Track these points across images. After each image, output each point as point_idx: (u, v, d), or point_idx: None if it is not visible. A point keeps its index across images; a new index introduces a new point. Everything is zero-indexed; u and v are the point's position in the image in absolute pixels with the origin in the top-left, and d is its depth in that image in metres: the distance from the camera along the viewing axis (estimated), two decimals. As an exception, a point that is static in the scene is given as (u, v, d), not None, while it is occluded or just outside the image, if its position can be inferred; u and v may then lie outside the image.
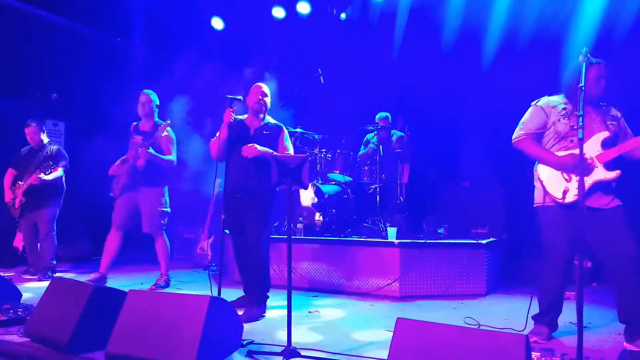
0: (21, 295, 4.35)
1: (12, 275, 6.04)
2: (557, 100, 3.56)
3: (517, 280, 5.76)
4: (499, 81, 6.46)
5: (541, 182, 3.51)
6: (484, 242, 5.32)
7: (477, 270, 5.20)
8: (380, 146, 6.25)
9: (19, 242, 6.89)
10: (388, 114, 6.84)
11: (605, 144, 3.36)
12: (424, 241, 5.28)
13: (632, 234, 3.32)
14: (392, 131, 6.86)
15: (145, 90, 5.42)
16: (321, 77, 6.85)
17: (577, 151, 3.30)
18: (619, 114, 3.54)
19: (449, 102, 7.06)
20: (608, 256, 3.38)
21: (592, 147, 3.36)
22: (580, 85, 2.99)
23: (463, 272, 5.14)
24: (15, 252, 6.97)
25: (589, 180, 3.32)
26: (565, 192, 3.38)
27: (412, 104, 7.30)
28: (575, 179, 3.35)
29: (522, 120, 3.64)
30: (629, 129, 3.53)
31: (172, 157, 5.32)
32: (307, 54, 7.82)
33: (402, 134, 6.67)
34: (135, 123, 5.47)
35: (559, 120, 3.47)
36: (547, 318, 3.54)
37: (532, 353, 2.72)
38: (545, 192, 3.49)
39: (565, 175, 3.41)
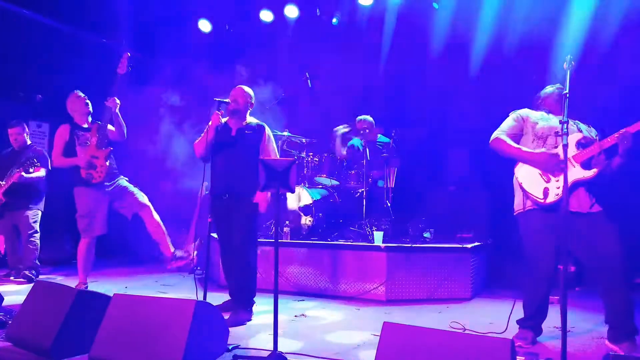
0: (3, 298, 4.29)
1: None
2: (535, 112, 3.71)
3: (502, 284, 5.80)
4: (485, 87, 6.53)
5: (520, 184, 3.55)
6: (469, 246, 5.35)
7: (462, 275, 5.23)
8: (367, 150, 6.26)
9: (0, 245, 6.79)
10: (370, 117, 6.85)
11: (580, 145, 3.43)
12: (410, 245, 5.30)
13: (616, 238, 3.35)
14: (380, 135, 6.87)
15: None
16: (308, 81, 6.85)
17: (553, 150, 3.42)
18: (594, 130, 3.66)
19: (435, 106, 7.11)
20: (593, 261, 3.41)
21: (568, 148, 3.39)
22: (565, 92, 3.03)
23: (449, 276, 5.16)
24: (-4, 255, 6.87)
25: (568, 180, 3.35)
26: (545, 192, 3.42)
27: (399, 108, 7.33)
28: (554, 179, 3.40)
29: (500, 125, 3.75)
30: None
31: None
32: (295, 57, 7.82)
33: (388, 139, 6.69)
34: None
35: (537, 123, 3.58)
36: (531, 322, 3.57)
37: (517, 357, 2.74)
38: (526, 195, 3.52)
39: (543, 176, 3.45)
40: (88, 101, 5.32)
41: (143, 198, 5.25)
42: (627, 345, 3.26)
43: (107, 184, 5.09)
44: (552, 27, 5.98)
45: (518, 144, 3.63)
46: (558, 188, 3.35)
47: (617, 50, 5.70)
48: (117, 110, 5.08)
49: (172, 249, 5.37)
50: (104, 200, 5.09)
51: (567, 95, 3.01)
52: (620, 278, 3.32)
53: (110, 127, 5.18)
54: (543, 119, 3.62)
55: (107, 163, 5.07)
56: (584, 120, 3.69)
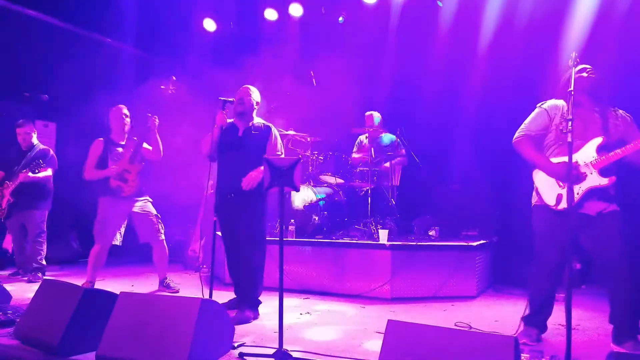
0: (11, 297, 4.33)
1: (2, 277, 5.99)
2: (562, 103, 3.55)
3: (507, 282, 5.79)
4: (491, 84, 6.50)
5: (536, 188, 3.54)
6: (474, 244, 5.35)
7: (467, 272, 5.22)
8: (372, 148, 6.27)
9: (8, 243, 6.84)
10: (377, 114, 6.85)
11: (601, 150, 3.35)
12: (415, 243, 5.30)
13: (626, 239, 3.34)
14: (384, 134, 6.87)
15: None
16: (313, 79, 6.86)
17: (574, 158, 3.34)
18: (628, 117, 3.52)
19: (440, 104, 7.09)
20: (602, 261, 3.41)
21: (587, 154, 3.37)
22: (570, 89, 3.02)
23: (454, 274, 5.16)
24: (4, 253, 6.92)
25: (583, 187, 3.33)
26: (558, 199, 3.41)
27: (404, 106, 7.32)
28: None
29: (525, 121, 3.64)
30: None
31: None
32: (300, 55, 7.83)
33: (394, 136, 6.69)
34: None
35: (561, 124, 3.42)
36: (537, 320, 3.57)
37: (522, 355, 2.75)
38: (540, 197, 3.53)
39: (560, 182, 3.42)
40: (128, 120, 5.39)
41: (160, 232, 5.36)
42: (631, 345, 3.26)
43: (135, 199, 5.21)
44: (559, 22, 5.95)
45: (545, 141, 3.58)
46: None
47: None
48: (155, 129, 5.19)
49: (166, 277, 5.42)
50: (124, 214, 5.21)
51: (572, 92, 3.00)
52: (626, 278, 3.31)
53: (146, 145, 5.25)
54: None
55: (138, 179, 5.17)
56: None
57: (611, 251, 3.34)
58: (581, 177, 3.34)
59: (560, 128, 3.35)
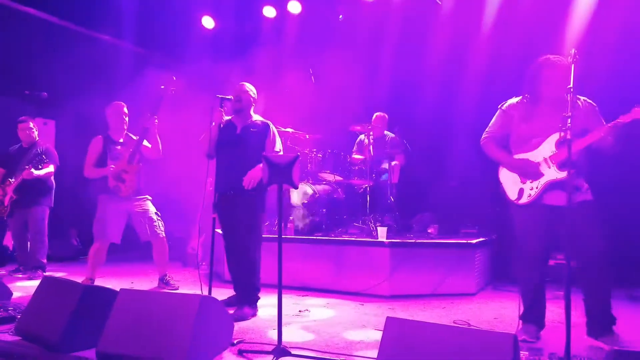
0: (11, 294, 4.35)
1: (2, 274, 6.00)
2: (517, 100, 3.67)
3: (506, 279, 5.78)
4: (489, 81, 6.51)
5: (501, 184, 3.68)
6: (473, 241, 5.36)
7: (466, 270, 5.23)
8: (371, 146, 6.27)
9: (8, 240, 6.85)
10: (384, 114, 6.87)
11: (560, 144, 3.40)
12: (413, 241, 5.31)
13: (599, 230, 3.37)
14: (386, 132, 6.87)
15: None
16: (312, 77, 6.86)
17: (532, 155, 3.51)
18: (590, 106, 3.53)
19: (438, 102, 7.10)
20: (578, 250, 3.37)
21: (547, 149, 3.47)
22: (569, 86, 3.03)
23: (453, 271, 5.17)
24: (5, 250, 6.93)
25: (542, 182, 3.45)
26: (520, 193, 3.55)
27: (402, 104, 7.32)
28: (528, 180, 3.51)
29: (489, 123, 3.80)
30: (604, 119, 3.47)
31: None
32: (298, 53, 7.83)
33: (392, 134, 6.71)
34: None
35: (519, 124, 3.59)
36: (532, 315, 3.57)
37: (521, 352, 2.75)
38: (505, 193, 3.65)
39: (521, 177, 3.55)
40: (127, 117, 5.39)
41: (159, 229, 5.35)
42: (609, 338, 3.29)
43: (134, 198, 5.21)
44: (556, 22, 5.97)
45: (510, 140, 3.69)
46: (531, 189, 3.49)
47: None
48: (155, 130, 5.19)
49: (166, 274, 5.42)
50: (123, 212, 5.20)
51: (572, 89, 3.01)
52: (602, 267, 3.34)
53: (146, 143, 5.25)
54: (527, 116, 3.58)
55: (136, 179, 5.16)
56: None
57: (586, 239, 3.34)
58: (539, 173, 3.46)
59: (530, 127, 3.52)
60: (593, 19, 5.77)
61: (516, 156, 3.60)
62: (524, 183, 3.53)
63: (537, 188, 3.46)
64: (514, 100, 3.70)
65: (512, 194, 3.59)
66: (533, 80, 3.56)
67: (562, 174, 3.36)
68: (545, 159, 3.46)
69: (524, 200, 3.51)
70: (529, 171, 3.50)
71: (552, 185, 3.43)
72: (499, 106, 3.76)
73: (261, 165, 3.91)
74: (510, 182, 3.62)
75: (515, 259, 3.70)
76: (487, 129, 3.78)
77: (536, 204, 3.46)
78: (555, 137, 3.44)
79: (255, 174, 4.13)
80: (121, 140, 5.33)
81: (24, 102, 7.02)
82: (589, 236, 3.35)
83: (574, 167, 3.27)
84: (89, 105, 7.11)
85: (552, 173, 3.43)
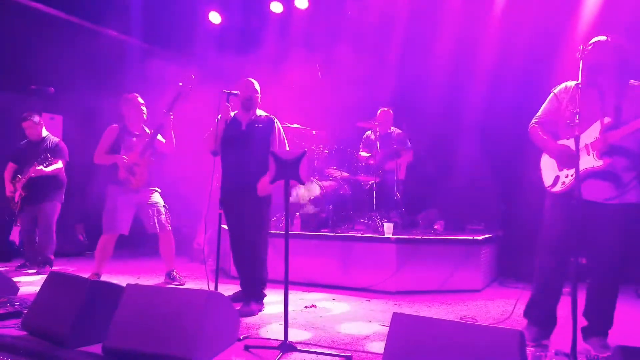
0: (18, 288, 4.37)
1: (9, 268, 6.04)
2: (572, 84, 3.40)
3: (513, 276, 5.78)
4: (497, 77, 6.48)
5: (540, 169, 3.50)
6: (480, 238, 5.34)
7: (472, 266, 5.22)
8: (378, 142, 6.26)
9: (15, 235, 6.88)
10: (389, 110, 6.84)
11: (607, 130, 3.16)
12: (420, 237, 5.30)
13: (623, 237, 3.20)
14: (392, 128, 6.85)
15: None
16: (319, 73, 6.84)
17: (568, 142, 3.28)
18: None
19: (446, 98, 7.07)
20: (590, 251, 3.32)
21: (590, 135, 3.20)
22: (577, 82, 2.99)
23: (459, 267, 5.15)
24: (11, 245, 6.96)
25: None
26: (555, 181, 3.35)
27: (410, 100, 7.30)
28: (565, 168, 3.30)
29: (541, 107, 3.58)
30: None
31: None
32: (305, 48, 7.81)
33: (399, 130, 6.69)
34: None
35: (567, 107, 3.34)
36: (535, 312, 3.45)
37: (527, 349, 2.74)
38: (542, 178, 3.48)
39: (558, 164, 3.36)
40: (144, 108, 5.39)
41: (167, 221, 5.37)
42: (597, 341, 3.22)
43: (143, 190, 5.22)
44: (566, 17, 5.92)
45: (559, 125, 3.45)
46: (566, 177, 3.27)
47: None
48: (170, 125, 5.21)
49: (173, 269, 5.43)
50: (132, 204, 5.20)
51: (580, 85, 2.97)
52: (609, 276, 3.24)
53: (160, 137, 5.27)
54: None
55: (147, 172, 5.18)
56: None
57: (607, 244, 3.20)
58: (575, 160, 3.10)
59: (570, 109, 3.25)
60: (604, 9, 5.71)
61: (560, 142, 3.37)
62: (561, 170, 3.32)
63: (572, 176, 3.22)
64: (568, 83, 3.45)
65: (547, 181, 3.40)
66: (584, 63, 3.15)
67: (599, 163, 3.13)
68: (586, 145, 3.19)
69: (558, 188, 3.31)
70: (564, 157, 3.27)
71: (589, 175, 3.19)
72: (552, 90, 3.53)
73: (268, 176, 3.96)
74: (548, 168, 3.43)
75: (537, 246, 3.48)
76: (537, 114, 3.56)
77: (570, 195, 3.20)
78: (600, 123, 3.19)
79: (267, 180, 4.13)
80: (137, 133, 5.34)
81: (31, 98, 7.04)
82: (612, 242, 3.19)
83: (613, 155, 3.12)
84: (96, 100, 7.14)
85: (589, 161, 3.16)
